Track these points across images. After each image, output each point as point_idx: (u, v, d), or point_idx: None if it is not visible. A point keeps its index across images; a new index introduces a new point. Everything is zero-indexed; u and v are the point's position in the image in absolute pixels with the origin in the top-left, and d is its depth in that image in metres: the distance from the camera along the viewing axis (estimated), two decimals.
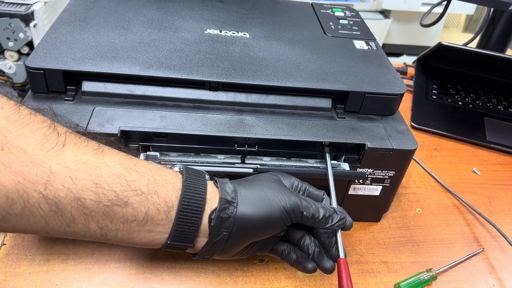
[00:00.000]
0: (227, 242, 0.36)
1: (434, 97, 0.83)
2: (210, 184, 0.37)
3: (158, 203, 0.34)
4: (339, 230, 0.40)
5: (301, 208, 0.37)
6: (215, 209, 0.35)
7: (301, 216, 0.37)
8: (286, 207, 0.37)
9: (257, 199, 0.37)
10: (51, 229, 0.31)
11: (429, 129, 0.75)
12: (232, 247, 0.37)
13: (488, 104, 0.82)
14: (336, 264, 0.39)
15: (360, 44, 0.60)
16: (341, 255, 0.39)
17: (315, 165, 0.48)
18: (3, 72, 1.18)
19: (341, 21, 0.66)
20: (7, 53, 1.15)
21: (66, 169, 0.30)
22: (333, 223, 0.39)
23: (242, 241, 0.37)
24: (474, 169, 0.69)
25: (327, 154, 0.46)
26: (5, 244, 0.46)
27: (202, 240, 0.36)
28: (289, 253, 0.41)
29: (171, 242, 0.35)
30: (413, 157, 0.69)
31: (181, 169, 0.38)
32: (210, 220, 0.35)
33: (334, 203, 0.41)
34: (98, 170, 0.32)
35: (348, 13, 0.70)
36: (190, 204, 0.35)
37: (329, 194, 0.42)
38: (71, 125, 0.37)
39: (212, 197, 0.36)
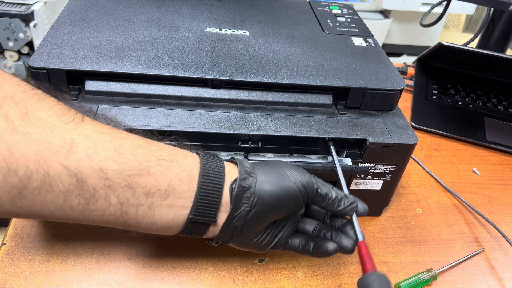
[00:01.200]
0: (247, 218, 0.36)
1: (434, 97, 0.83)
2: (226, 162, 0.38)
3: (180, 173, 0.34)
4: (354, 214, 0.39)
5: (315, 185, 0.38)
6: (235, 179, 0.35)
7: (316, 193, 0.38)
8: (303, 181, 0.37)
9: (274, 174, 0.37)
10: (68, 207, 0.30)
11: (429, 129, 0.75)
12: (252, 225, 0.37)
13: (488, 104, 0.82)
14: (356, 245, 0.39)
15: (358, 41, 0.60)
16: (360, 237, 0.38)
17: (317, 161, 0.48)
18: None
19: (339, 19, 0.66)
20: (7, 53, 1.14)
21: (88, 139, 0.30)
22: (345, 205, 0.39)
23: (262, 217, 0.36)
24: (474, 169, 0.69)
25: (331, 147, 0.46)
26: (5, 244, 0.46)
27: (223, 216, 0.36)
28: (307, 243, 0.41)
29: (193, 216, 0.34)
30: (413, 157, 0.69)
31: (198, 151, 0.38)
32: (231, 190, 0.35)
33: (346, 192, 0.41)
34: (120, 141, 0.32)
35: (345, 10, 0.70)
36: (211, 174, 0.35)
37: (338, 187, 0.42)
38: (83, 110, 0.37)
39: (231, 170, 0.36)
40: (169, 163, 0.33)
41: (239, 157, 0.39)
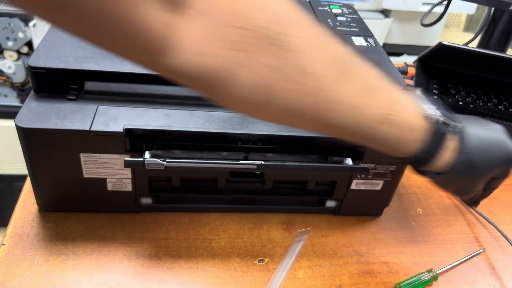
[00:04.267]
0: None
1: (435, 96, 0.82)
2: None
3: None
4: None
5: None
6: None
7: None
8: None
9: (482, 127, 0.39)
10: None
11: None
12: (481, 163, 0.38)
13: (489, 104, 0.82)
14: None
15: (358, 41, 0.60)
16: None
17: (317, 161, 0.48)
18: (3, 72, 1.17)
19: (339, 18, 0.66)
20: (6, 53, 1.14)
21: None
22: None
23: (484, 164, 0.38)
24: None
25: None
26: (4, 244, 0.46)
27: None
28: None
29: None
30: None
31: None
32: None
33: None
34: None
35: (345, 9, 0.70)
36: None
37: None
38: None
39: None
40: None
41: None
